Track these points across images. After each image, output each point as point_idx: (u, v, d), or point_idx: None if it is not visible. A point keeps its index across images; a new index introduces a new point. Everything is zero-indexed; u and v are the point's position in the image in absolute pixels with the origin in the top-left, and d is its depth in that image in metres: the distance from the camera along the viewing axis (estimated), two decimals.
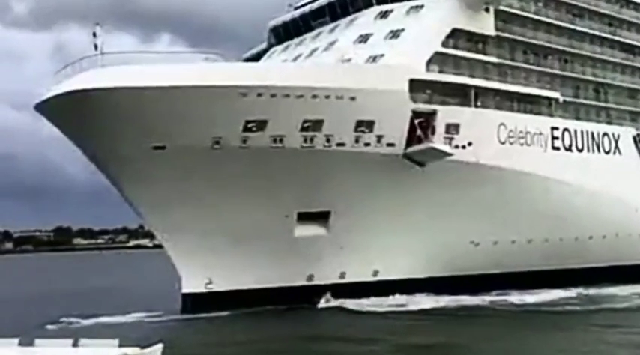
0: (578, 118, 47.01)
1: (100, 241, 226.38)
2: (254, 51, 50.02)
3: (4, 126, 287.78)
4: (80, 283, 59.82)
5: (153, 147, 31.07)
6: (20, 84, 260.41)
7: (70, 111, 30.38)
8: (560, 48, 47.38)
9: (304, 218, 34.72)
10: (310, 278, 35.61)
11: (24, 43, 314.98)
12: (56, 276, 74.96)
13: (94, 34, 30.40)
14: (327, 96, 32.63)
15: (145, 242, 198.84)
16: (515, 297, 36.86)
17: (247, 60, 50.09)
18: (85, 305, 37.20)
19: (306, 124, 32.77)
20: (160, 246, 36.66)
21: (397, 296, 35.41)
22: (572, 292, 38.90)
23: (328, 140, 33.36)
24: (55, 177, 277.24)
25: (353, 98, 33.19)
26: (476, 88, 40.07)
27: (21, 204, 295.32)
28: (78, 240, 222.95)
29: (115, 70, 29.95)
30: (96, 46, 30.26)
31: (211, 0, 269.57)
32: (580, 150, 45.13)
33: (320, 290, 34.98)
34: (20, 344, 11.09)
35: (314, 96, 32.32)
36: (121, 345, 9.87)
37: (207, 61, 32.51)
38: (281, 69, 36.92)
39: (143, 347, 9.59)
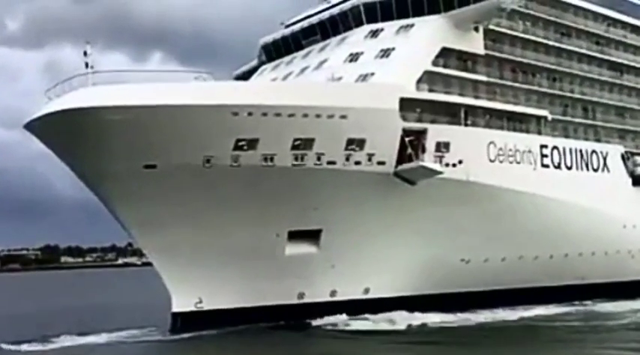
0: (567, 136, 47.35)
1: (88, 259, 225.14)
2: (245, 68, 50.19)
3: None
4: (68, 301, 59.25)
5: (144, 166, 30.95)
6: (11, 101, 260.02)
7: (60, 130, 30.24)
8: (549, 66, 47.84)
9: (295, 236, 34.64)
10: (301, 296, 35.49)
11: (16, 60, 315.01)
12: (44, 295, 74.27)
13: (85, 53, 30.38)
14: (318, 115, 32.72)
15: (134, 260, 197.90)
16: (505, 313, 36.88)
17: (238, 77, 50.27)
18: (72, 323, 36.88)
19: (297, 143, 32.81)
20: (149, 264, 36.53)
21: (388, 313, 35.19)
22: (563, 308, 38.95)
23: (319, 158, 33.40)
24: (44, 195, 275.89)
25: (344, 117, 33.29)
26: (466, 106, 40.35)
27: (8, 222, 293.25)
28: (66, 259, 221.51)
29: (106, 89, 29.90)
30: (87, 65, 30.20)
31: (204, 18, 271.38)
32: (569, 168, 45.38)
33: (311, 309, 34.82)
34: None
35: (305, 115, 32.41)
36: None
37: (198, 80, 32.55)
38: (272, 88, 37.02)
39: None
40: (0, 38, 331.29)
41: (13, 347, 29.19)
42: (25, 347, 29.48)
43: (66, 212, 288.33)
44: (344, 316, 34.62)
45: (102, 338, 31.72)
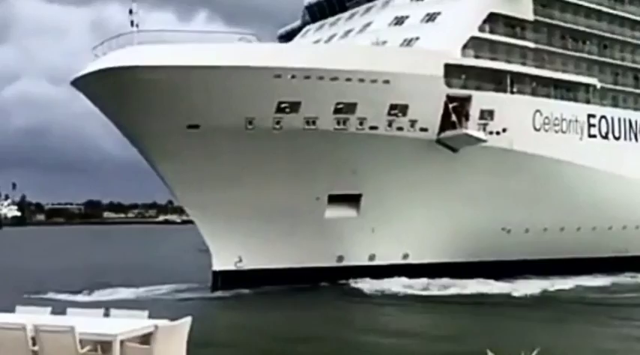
0: (616, 106, 46.14)
1: (129, 215, 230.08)
2: (288, 28, 49.92)
3: (41, 100, 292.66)
4: (113, 256, 60.84)
5: (187, 125, 31.31)
6: (59, 58, 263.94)
7: (106, 88, 30.74)
8: (600, 33, 46.40)
9: (335, 200, 34.81)
10: (340, 259, 35.79)
11: (64, 17, 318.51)
12: (89, 249, 76.35)
13: (131, 11, 30.55)
14: (361, 80, 32.49)
15: (174, 217, 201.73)
16: (543, 283, 36.56)
17: (281, 37, 50.07)
18: (118, 277, 38.01)
19: (339, 107, 32.75)
20: (189, 222, 37.20)
21: (426, 280, 35.28)
22: (605, 280, 38.43)
23: (361, 123, 33.29)
24: (88, 152, 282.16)
25: (387, 81, 33.00)
26: (512, 73, 39.53)
27: (54, 177, 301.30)
28: (108, 214, 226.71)
29: (150, 48, 30.19)
30: (132, 23, 30.41)
31: None
32: (617, 139, 44.38)
33: (349, 272, 35.15)
34: (52, 313, 11.34)
35: (348, 80, 32.22)
36: (150, 317, 10.05)
37: (242, 41, 32.55)
38: (315, 51, 36.78)
39: (172, 319, 9.76)
40: None
41: (69, 297, 30.30)
42: (79, 297, 30.62)
43: (109, 168, 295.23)
44: (382, 280, 34.74)
45: (149, 291, 32.81)
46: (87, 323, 9.68)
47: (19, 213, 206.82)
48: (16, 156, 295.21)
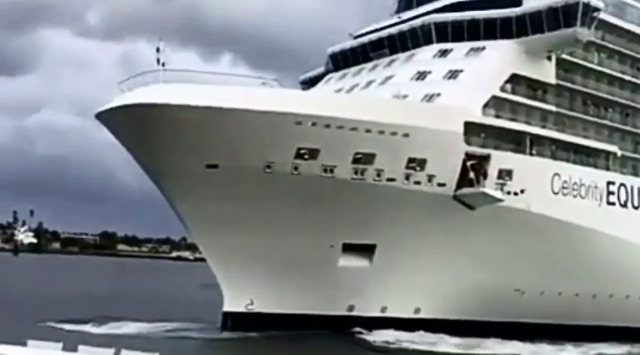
0: (635, 174, 45.90)
1: (143, 249, 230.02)
2: (311, 74, 50.46)
3: (64, 130, 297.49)
4: (124, 289, 60.92)
5: (206, 165, 31.67)
6: (86, 90, 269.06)
7: (129, 123, 31.28)
8: (622, 101, 46.53)
9: (349, 249, 34.80)
10: (351, 308, 35.58)
11: (93, 51, 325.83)
12: (102, 280, 76.60)
13: (158, 49, 31.21)
14: (381, 132, 32.78)
15: (187, 254, 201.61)
16: (559, 348, 35.88)
17: (304, 82, 50.69)
18: (128, 309, 38.03)
19: (357, 157, 32.98)
20: (201, 260, 37.33)
21: (441, 335, 34.66)
22: (621, 349, 37.61)
23: (379, 174, 33.44)
24: (107, 183, 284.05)
25: (406, 135, 33.26)
26: (532, 135, 39.66)
27: (71, 207, 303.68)
28: (122, 246, 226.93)
29: (175, 87, 30.71)
30: (158, 61, 31.07)
31: (274, 24, 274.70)
32: (636, 208, 44.02)
33: (360, 322, 34.93)
34: (64, 348, 11.40)
35: (367, 130, 32.53)
36: None
37: (265, 86, 33.09)
38: (336, 100, 37.21)
39: None
40: (80, 29, 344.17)
41: (79, 328, 30.42)
42: (88, 327, 30.75)
43: (126, 201, 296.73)
44: (392, 332, 34.42)
45: (157, 327, 32.80)
46: None
47: (35, 240, 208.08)
48: (36, 184, 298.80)
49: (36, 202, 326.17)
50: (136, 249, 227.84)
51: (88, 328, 30.83)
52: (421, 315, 36.62)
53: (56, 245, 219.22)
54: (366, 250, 35.24)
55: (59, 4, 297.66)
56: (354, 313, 35.59)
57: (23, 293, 48.99)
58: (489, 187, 35.90)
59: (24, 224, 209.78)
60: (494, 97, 38.54)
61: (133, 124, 31.06)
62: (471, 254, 36.25)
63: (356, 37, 47.22)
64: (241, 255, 32.96)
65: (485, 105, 37.90)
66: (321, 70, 49.21)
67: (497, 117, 38.41)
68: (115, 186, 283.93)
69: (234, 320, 33.57)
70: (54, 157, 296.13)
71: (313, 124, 31.60)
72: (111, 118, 32.31)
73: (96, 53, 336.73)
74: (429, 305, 36.60)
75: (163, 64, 30.95)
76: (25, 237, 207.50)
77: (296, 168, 32.32)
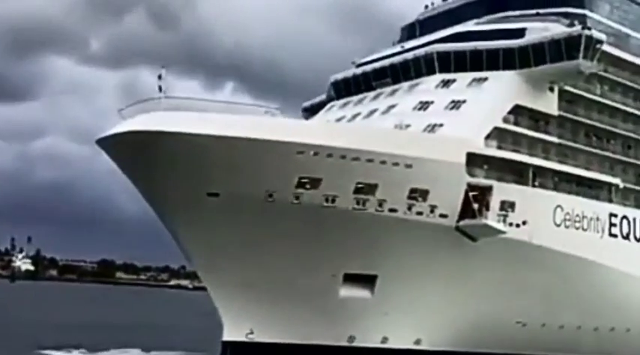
0: (638, 206, 45.68)
1: (142, 277, 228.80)
2: (313, 101, 50.51)
3: (64, 157, 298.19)
4: (124, 316, 60.39)
5: (207, 193, 31.42)
6: (86, 117, 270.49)
7: (129, 150, 31.09)
8: (625, 133, 46.56)
9: (350, 279, 34.42)
10: (352, 339, 35.10)
11: (95, 78, 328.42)
12: (102, 308, 76.10)
13: (159, 77, 31.20)
14: (383, 162, 32.64)
15: (186, 283, 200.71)
16: None
17: (306, 110, 50.72)
18: (128, 337, 37.64)
19: (359, 187, 32.76)
20: (200, 288, 37.01)
21: None
22: None
23: (380, 205, 33.22)
24: (106, 210, 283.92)
25: (409, 166, 33.12)
26: (534, 166, 39.50)
27: (70, 233, 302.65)
28: (120, 274, 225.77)
29: (177, 115, 30.48)
30: (160, 88, 31.01)
31: (277, 53, 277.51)
32: (638, 240, 43.75)
33: (360, 353, 34.55)
34: None
35: (369, 160, 32.39)
36: None
37: (267, 114, 33.00)
38: (338, 129, 37.14)
39: None
40: (83, 56, 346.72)
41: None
42: None
43: (125, 229, 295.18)
44: None
45: None
46: None
47: (32, 268, 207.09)
48: (35, 210, 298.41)
49: (34, 228, 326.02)
50: (134, 276, 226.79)
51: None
52: (422, 347, 36.14)
53: (54, 272, 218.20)
54: (367, 281, 34.83)
55: (63, 31, 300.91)
56: (355, 344, 35.07)
57: (23, 320, 48.53)
58: (491, 219, 35.62)
59: (21, 251, 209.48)
60: (496, 128, 38.43)
61: (133, 151, 30.88)
62: (473, 285, 35.92)
63: (358, 66, 47.34)
64: (241, 283, 32.63)
65: (488, 137, 37.74)
66: (323, 97, 49.25)
67: (500, 148, 38.27)
68: (114, 213, 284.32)
69: (234, 350, 33.19)
70: (53, 183, 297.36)
71: (315, 154, 31.45)
72: (111, 145, 32.15)
73: (98, 80, 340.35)
74: (430, 337, 36.16)
75: (165, 92, 30.92)
76: (22, 263, 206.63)
77: (297, 198, 32.09)
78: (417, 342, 36.26)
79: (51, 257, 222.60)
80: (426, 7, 49.89)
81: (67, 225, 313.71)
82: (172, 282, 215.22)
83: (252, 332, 33.51)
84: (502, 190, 36.52)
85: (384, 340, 35.65)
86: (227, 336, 33.54)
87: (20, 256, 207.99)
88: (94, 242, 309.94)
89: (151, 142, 29.92)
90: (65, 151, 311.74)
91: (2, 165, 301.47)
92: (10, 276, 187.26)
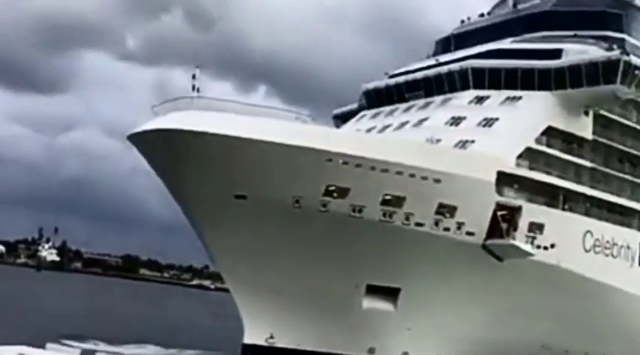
0: None
1: (165, 275, 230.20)
2: (344, 109, 50.26)
3: (93, 151, 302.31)
4: (146, 312, 60.92)
5: (235, 195, 31.55)
6: (116, 112, 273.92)
7: (159, 147, 31.33)
8: None
9: (373, 291, 34.33)
10: (372, 350, 34.99)
11: (129, 74, 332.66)
12: (125, 302, 76.92)
13: (194, 76, 31.36)
14: (412, 175, 32.47)
15: (207, 283, 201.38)
16: None
17: (337, 117, 50.58)
18: (149, 333, 38.00)
19: (387, 198, 32.65)
20: (222, 289, 37.23)
21: None
22: None
23: (407, 218, 33.06)
24: (133, 206, 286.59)
25: (438, 180, 32.91)
26: (565, 190, 39.06)
27: (95, 227, 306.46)
28: (144, 271, 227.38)
29: (209, 115, 30.61)
30: (193, 87, 31.17)
31: (311, 59, 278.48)
32: None
33: None
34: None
35: (398, 173, 32.24)
36: None
37: (298, 120, 33.05)
38: (369, 140, 37.06)
39: None
40: (118, 52, 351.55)
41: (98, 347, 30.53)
42: (107, 347, 30.76)
43: (151, 225, 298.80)
44: None
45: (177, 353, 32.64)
46: None
47: (57, 258, 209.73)
48: (63, 202, 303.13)
49: (61, 220, 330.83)
50: (157, 273, 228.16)
51: (105, 347, 30.78)
52: None
53: (78, 264, 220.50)
54: (390, 293, 34.73)
55: (101, 27, 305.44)
56: None
57: (48, 310, 49.24)
58: (519, 240, 35.28)
59: (48, 241, 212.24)
60: (528, 149, 38.00)
61: (164, 149, 31.13)
62: (497, 305, 35.53)
63: (391, 77, 47.11)
64: (264, 287, 32.71)
65: (520, 156, 37.32)
66: (354, 106, 49.04)
67: (531, 169, 37.80)
68: (141, 210, 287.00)
69: (254, 353, 33.24)
70: (82, 176, 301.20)
71: (344, 163, 31.42)
72: (143, 141, 32.40)
73: (132, 77, 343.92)
74: (451, 354, 35.74)
75: (198, 91, 31.11)
76: (48, 254, 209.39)
77: (324, 206, 32.07)
78: None
79: (76, 249, 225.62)
80: (462, 21, 49.66)
81: (92, 219, 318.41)
82: (194, 282, 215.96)
83: (272, 337, 33.56)
84: (531, 211, 36.13)
85: (405, 354, 35.38)
86: (248, 339, 33.62)
87: (47, 246, 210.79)
88: (119, 237, 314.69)
89: (181, 141, 30.12)
90: (95, 145, 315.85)
91: (33, 156, 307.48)
92: (36, 266, 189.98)
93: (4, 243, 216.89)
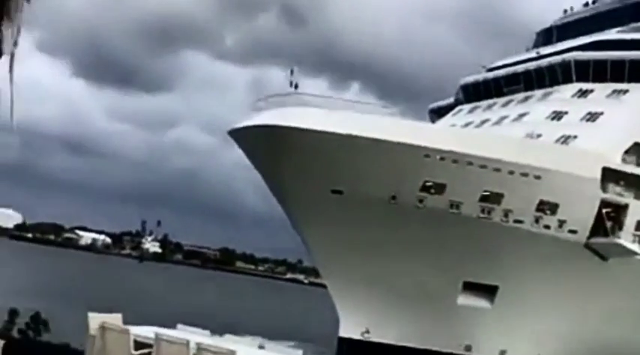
0: None
1: (260, 268, 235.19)
2: (441, 103, 49.49)
3: (195, 147, 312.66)
4: (242, 304, 62.71)
5: (331, 190, 32.00)
6: (216, 110, 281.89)
7: (261, 143, 32.17)
8: None
9: (470, 288, 34.06)
10: (468, 348, 34.71)
11: (227, 73, 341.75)
12: (225, 294, 79.51)
13: (292, 72, 31.87)
14: (511, 172, 31.85)
15: (301, 277, 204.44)
16: None
17: (433, 111, 49.97)
18: (245, 324, 39.11)
19: (485, 194, 32.24)
20: (315, 284, 37.85)
21: None
22: None
23: (506, 215, 32.49)
24: (231, 201, 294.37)
25: (538, 177, 32.11)
26: None
27: (195, 220, 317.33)
28: (240, 263, 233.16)
29: (307, 111, 31.18)
30: (291, 84, 31.67)
31: (405, 54, 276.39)
32: None
33: None
34: (212, 333, 12.71)
35: (497, 169, 31.71)
36: None
37: (392, 116, 33.08)
38: (467, 135, 36.58)
39: None
40: (217, 52, 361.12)
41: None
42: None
43: (247, 219, 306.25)
44: None
45: (274, 345, 33.45)
46: (246, 351, 10.37)
47: (160, 250, 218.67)
48: (165, 196, 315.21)
49: (163, 214, 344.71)
50: (252, 267, 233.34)
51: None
52: None
53: (178, 256, 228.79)
54: (488, 290, 34.32)
55: (202, 28, 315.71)
56: (471, 353, 34.65)
57: (150, 298, 51.56)
58: (625, 238, 33.94)
59: (151, 233, 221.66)
60: (636, 144, 36.29)
61: (265, 144, 31.96)
62: (600, 306, 34.40)
63: (489, 70, 46.00)
64: (360, 282, 33.04)
65: (627, 152, 35.77)
66: (451, 100, 48.22)
67: (639, 165, 36.23)
68: (237, 204, 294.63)
69: (350, 347, 33.64)
70: (183, 172, 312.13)
71: (442, 159, 31.23)
72: (244, 136, 33.34)
73: (230, 75, 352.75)
74: (552, 353, 34.92)
75: (296, 87, 31.69)
76: (151, 246, 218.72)
77: (421, 201, 32.02)
78: None
79: (177, 242, 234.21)
80: (565, 11, 47.83)
81: (192, 213, 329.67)
82: (288, 276, 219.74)
83: (368, 332, 33.86)
84: (639, 209, 34.66)
85: (502, 353, 34.92)
86: (343, 333, 34.07)
87: (149, 239, 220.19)
88: (217, 230, 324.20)
89: (282, 136, 30.82)
90: (196, 142, 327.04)
91: (138, 152, 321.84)
92: (139, 257, 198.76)
93: (110, 235, 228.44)
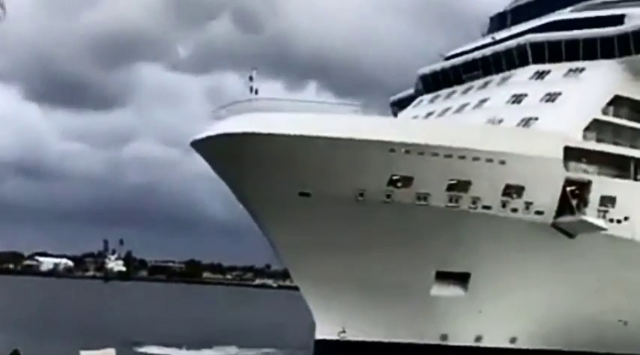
0: None
1: (227, 277, 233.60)
2: (401, 95, 49.35)
3: (153, 160, 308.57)
4: (212, 315, 61.75)
5: (299, 193, 31.55)
6: (173, 122, 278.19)
7: (224, 152, 31.57)
8: None
9: (443, 277, 33.95)
10: (444, 337, 34.66)
11: (182, 84, 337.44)
12: (192, 307, 78.18)
13: (251, 78, 31.36)
14: (476, 158, 31.86)
15: (270, 282, 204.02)
16: None
17: (394, 103, 49.77)
18: (220, 334, 38.48)
19: (452, 184, 32.17)
20: (285, 288, 37.59)
21: None
22: None
23: (474, 202, 32.48)
24: (193, 212, 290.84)
25: (503, 162, 32.21)
26: (637, 159, 37.65)
27: (158, 235, 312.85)
28: (207, 274, 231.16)
29: (269, 116, 30.72)
30: (251, 89, 31.15)
31: (359, 49, 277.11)
32: None
33: (453, 351, 34.07)
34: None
35: (462, 157, 31.69)
36: None
37: (355, 113, 32.78)
38: (430, 127, 36.50)
39: None
40: (170, 63, 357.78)
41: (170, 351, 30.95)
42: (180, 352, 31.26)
43: (212, 230, 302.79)
44: None
45: (248, 353, 32.99)
46: None
47: (124, 269, 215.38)
48: (126, 213, 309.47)
49: (125, 231, 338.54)
50: (220, 276, 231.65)
51: (181, 352, 31.25)
52: (517, 345, 35.35)
53: (143, 273, 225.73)
54: (460, 279, 34.32)
55: (152, 40, 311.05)
56: (447, 342, 34.64)
57: (118, 317, 50.33)
58: (590, 215, 34.33)
59: (114, 252, 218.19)
60: (595, 121, 36.72)
61: (228, 153, 31.35)
62: (571, 283, 34.74)
63: (447, 58, 46.05)
64: (334, 282, 32.67)
65: (586, 129, 36.14)
66: (411, 91, 48.07)
67: (599, 141, 36.57)
68: (200, 215, 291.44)
69: (326, 348, 33.27)
70: (142, 187, 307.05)
71: (407, 152, 31.06)
72: (207, 146, 32.67)
73: (185, 86, 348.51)
74: (526, 335, 35.30)
75: (256, 92, 31.15)
76: (115, 265, 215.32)
77: (389, 196, 31.79)
78: (513, 340, 35.51)
79: (141, 258, 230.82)
80: None
81: (155, 227, 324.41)
82: (257, 281, 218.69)
83: (344, 331, 33.52)
84: (602, 185, 35.12)
85: (478, 338, 35.06)
86: (319, 335, 33.65)
87: (113, 258, 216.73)
88: (182, 243, 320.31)
89: (248, 143, 30.26)
90: (153, 155, 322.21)
91: (95, 170, 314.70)
92: (103, 277, 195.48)
93: (72, 258, 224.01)
